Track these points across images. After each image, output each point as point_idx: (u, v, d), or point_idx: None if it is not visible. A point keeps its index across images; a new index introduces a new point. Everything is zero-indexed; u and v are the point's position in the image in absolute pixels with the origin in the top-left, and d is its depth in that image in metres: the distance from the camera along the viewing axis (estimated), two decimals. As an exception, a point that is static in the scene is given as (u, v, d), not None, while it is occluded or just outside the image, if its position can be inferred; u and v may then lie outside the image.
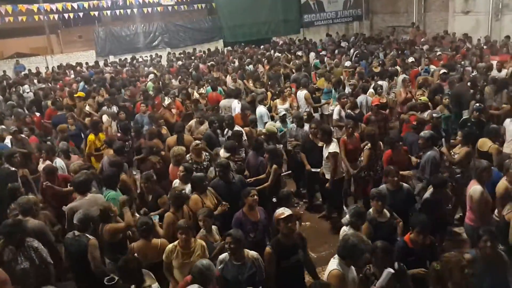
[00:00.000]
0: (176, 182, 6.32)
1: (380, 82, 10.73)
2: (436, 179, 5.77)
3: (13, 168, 7.10)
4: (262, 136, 7.74)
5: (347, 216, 4.97)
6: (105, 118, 9.93)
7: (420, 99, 8.77)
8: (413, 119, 7.91)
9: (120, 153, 7.45)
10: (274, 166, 6.74)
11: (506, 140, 7.47)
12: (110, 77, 15.12)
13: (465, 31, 18.34)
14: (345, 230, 4.93)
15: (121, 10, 21.52)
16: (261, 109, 9.48)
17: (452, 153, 6.84)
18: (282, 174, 6.19)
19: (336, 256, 4.07)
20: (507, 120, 7.63)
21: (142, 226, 4.91)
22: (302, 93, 10.39)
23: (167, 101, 10.38)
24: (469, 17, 19.07)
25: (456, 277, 3.83)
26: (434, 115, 7.96)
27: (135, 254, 4.64)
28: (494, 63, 11.70)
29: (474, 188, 5.38)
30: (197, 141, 7.31)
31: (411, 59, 13.08)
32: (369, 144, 7.17)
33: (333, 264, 4.03)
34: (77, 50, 22.57)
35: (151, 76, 14.57)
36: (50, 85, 15.15)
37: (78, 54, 21.93)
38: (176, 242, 4.74)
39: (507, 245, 4.92)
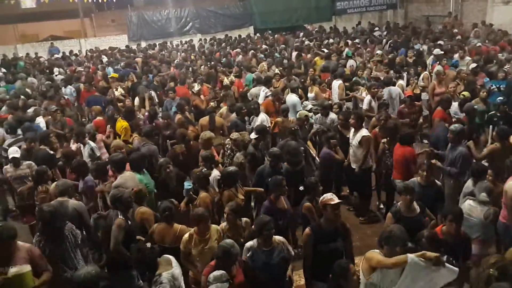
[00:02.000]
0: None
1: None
2: (476, 167, 5.60)
3: (52, 152, 7.25)
4: (295, 125, 7.65)
5: (484, 193, 5.01)
6: (136, 101, 10.08)
7: (463, 94, 8.49)
8: (439, 115, 7.72)
9: (149, 136, 7.53)
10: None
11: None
12: (141, 62, 15.27)
13: (504, 22, 17.65)
14: (471, 204, 5.06)
15: (153, -5, 21.69)
16: (293, 98, 9.26)
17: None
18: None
19: None
20: None
21: (165, 211, 4.98)
22: (337, 83, 10.23)
23: (196, 87, 10.42)
24: (510, 8, 18.33)
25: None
26: (475, 107, 7.71)
27: (153, 236, 4.81)
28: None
29: (510, 184, 5.15)
30: (207, 133, 7.19)
31: (436, 51, 12.62)
32: (385, 139, 7.05)
33: (375, 251, 4.05)
34: (109, 34, 22.89)
35: (176, 61, 14.73)
36: (83, 68, 15.44)
37: (111, 38, 22.26)
38: (192, 231, 4.80)
39: None
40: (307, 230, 4.56)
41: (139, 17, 22.16)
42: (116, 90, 11.04)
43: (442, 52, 12.33)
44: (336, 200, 4.46)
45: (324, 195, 4.62)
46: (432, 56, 12.42)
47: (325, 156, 7.08)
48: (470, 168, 5.95)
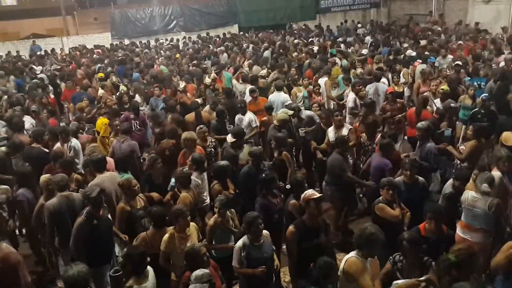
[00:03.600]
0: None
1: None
2: (461, 173, 5.68)
3: (46, 150, 7.17)
4: (276, 123, 7.68)
5: (485, 184, 5.04)
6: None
7: (442, 89, 8.62)
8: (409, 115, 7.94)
9: (127, 133, 7.51)
10: (284, 153, 6.68)
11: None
12: (120, 60, 15.10)
13: (485, 21, 17.96)
14: (474, 196, 5.10)
15: (137, -8, 21.52)
16: (282, 96, 9.32)
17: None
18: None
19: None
20: None
21: (157, 217, 4.91)
22: (323, 80, 10.31)
23: (182, 85, 10.37)
24: (490, 7, 18.65)
25: (471, 267, 3.82)
26: (452, 105, 7.84)
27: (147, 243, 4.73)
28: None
29: (494, 174, 5.37)
30: (203, 127, 7.32)
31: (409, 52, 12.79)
32: (364, 134, 7.13)
33: (352, 253, 4.08)
34: (92, 32, 22.62)
35: (161, 59, 14.65)
36: (65, 66, 15.25)
37: (93, 36, 22.00)
38: (171, 230, 4.76)
39: None
40: (291, 227, 4.58)
41: (122, 15, 21.96)
42: (101, 89, 10.91)
43: (414, 54, 12.49)
44: (317, 194, 4.51)
45: (305, 191, 4.66)
46: (414, 54, 12.58)
47: (380, 165, 6.16)
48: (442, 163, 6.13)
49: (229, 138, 7.04)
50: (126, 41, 20.94)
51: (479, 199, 5.10)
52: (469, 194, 5.21)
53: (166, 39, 20.43)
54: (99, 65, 14.00)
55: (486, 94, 8.12)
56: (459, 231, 5.28)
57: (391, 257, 4.26)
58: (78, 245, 4.89)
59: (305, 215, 4.61)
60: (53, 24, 22.98)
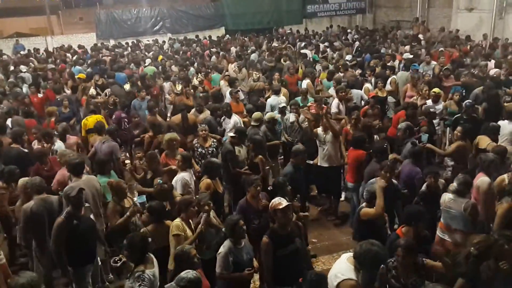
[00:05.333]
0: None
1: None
2: (432, 169, 5.84)
3: (25, 150, 7.09)
4: (253, 123, 7.75)
5: (455, 183, 5.17)
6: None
7: (434, 91, 8.74)
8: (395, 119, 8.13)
9: (112, 134, 7.49)
10: (260, 156, 6.73)
11: (499, 138, 7.31)
12: (109, 61, 15.03)
13: (468, 28, 18.26)
14: (450, 197, 5.20)
15: (123, -7, 21.40)
16: (277, 98, 9.32)
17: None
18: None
19: (349, 257, 3.91)
20: (502, 122, 7.53)
21: (155, 211, 4.94)
22: (305, 83, 10.39)
23: (179, 87, 10.31)
24: (473, 14, 18.96)
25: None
26: (431, 109, 7.97)
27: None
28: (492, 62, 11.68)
29: (482, 179, 5.49)
30: (204, 126, 7.33)
31: (406, 54, 12.97)
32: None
33: (348, 270, 3.81)
34: (77, 32, 22.41)
35: (148, 61, 14.55)
36: (49, 66, 15.05)
37: (78, 36, 21.78)
38: (179, 219, 4.86)
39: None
40: (264, 238, 4.52)
41: (108, 16, 21.77)
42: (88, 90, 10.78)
43: (411, 56, 12.65)
44: (284, 203, 4.46)
45: (273, 200, 4.63)
46: (398, 61, 12.73)
47: (412, 174, 6.10)
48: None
49: (230, 133, 7.14)
50: (112, 42, 20.79)
51: (455, 200, 5.20)
52: (446, 195, 5.31)
53: (153, 40, 20.31)
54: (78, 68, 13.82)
55: (470, 101, 8.24)
56: (438, 232, 5.41)
57: (383, 265, 4.07)
58: (57, 245, 4.83)
59: (276, 224, 4.59)
60: (38, 23, 22.74)
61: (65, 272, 5.18)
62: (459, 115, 8.15)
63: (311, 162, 7.45)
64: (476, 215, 5.18)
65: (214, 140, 7.38)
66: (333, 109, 9.01)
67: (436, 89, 8.81)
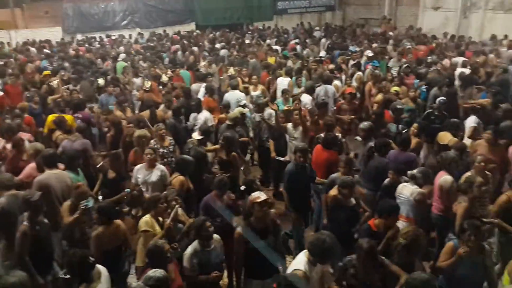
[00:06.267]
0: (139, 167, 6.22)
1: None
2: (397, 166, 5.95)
3: None
4: (228, 122, 7.69)
5: (415, 171, 5.29)
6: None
7: (396, 90, 8.90)
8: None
9: (82, 131, 7.33)
10: (233, 154, 6.71)
11: (466, 134, 7.65)
12: (73, 56, 14.66)
13: (434, 26, 18.72)
14: (404, 184, 5.37)
15: (91, -14, 20.87)
16: (236, 93, 9.36)
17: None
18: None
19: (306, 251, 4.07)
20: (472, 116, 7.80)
21: (105, 212, 4.77)
22: (286, 81, 10.39)
23: (147, 84, 10.15)
24: (439, 13, 19.46)
25: (417, 247, 4.12)
26: (398, 106, 8.12)
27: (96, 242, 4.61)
28: (460, 59, 11.99)
29: (445, 178, 5.59)
30: (160, 125, 7.21)
31: (370, 52, 13.20)
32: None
33: (301, 262, 4.00)
34: (42, 26, 21.72)
35: (122, 55, 14.28)
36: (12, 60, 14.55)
37: (43, 30, 21.13)
38: (149, 215, 4.80)
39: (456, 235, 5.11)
40: (238, 230, 4.58)
41: (74, 9, 21.22)
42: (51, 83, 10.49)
43: (371, 54, 12.85)
44: (262, 197, 4.50)
45: (252, 193, 4.67)
46: (365, 58, 12.92)
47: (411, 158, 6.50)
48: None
49: (196, 135, 7.04)
50: (79, 36, 20.29)
51: (407, 186, 5.38)
52: (401, 184, 5.49)
53: (121, 35, 19.95)
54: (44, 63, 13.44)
55: (444, 98, 8.41)
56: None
57: (341, 263, 4.25)
58: (24, 254, 4.59)
59: (252, 218, 4.61)
60: (0, 17, 21.93)
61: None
62: (430, 111, 8.34)
63: (282, 159, 7.51)
64: (423, 203, 5.34)
65: (171, 138, 7.24)
66: (308, 106, 9.02)
67: (396, 87, 9.01)
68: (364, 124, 6.97)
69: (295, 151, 6.19)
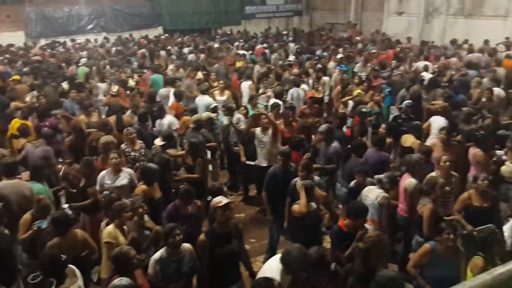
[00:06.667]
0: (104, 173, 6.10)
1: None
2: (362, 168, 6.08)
3: None
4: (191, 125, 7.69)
5: (382, 176, 5.30)
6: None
7: (360, 93, 9.06)
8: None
9: (48, 138, 7.09)
10: (199, 160, 6.67)
11: (430, 135, 7.83)
12: (35, 61, 14.25)
13: (398, 31, 19.22)
14: (370, 188, 5.40)
15: (54, -10, 20.42)
16: (205, 99, 9.34)
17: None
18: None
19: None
20: (437, 117, 8.00)
21: (60, 223, 4.64)
22: (246, 84, 10.42)
23: (114, 88, 9.99)
24: (402, 18, 19.97)
25: (377, 252, 4.11)
26: (363, 110, 8.27)
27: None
28: (422, 63, 12.32)
29: (409, 181, 5.66)
30: (130, 129, 7.13)
31: (339, 56, 13.44)
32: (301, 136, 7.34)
33: (276, 270, 3.95)
34: (4, 31, 21.07)
35: (83, 60, 14.01)
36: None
37: (5, 35, 20.49)
38: (112, 225, 4.68)
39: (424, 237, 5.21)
40: (201, 236, 4.53)
41: (37, 13, 20.69)
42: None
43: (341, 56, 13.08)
44: (224, 201, 4.48)
45: (214, 198, 4.65)
46: (332, 63, 13.11)
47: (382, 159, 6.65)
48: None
49: (158, 141, 6.93)
50: (43, 41, 19.80)
51: (373, 190, 5.46)
52: (367, 187, 5.56)
53: (87, 39, 19.60)
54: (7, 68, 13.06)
55: (410, 101, 8.59)
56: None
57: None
58: None
59: (215, 223, 4.58)
60: (-42, 20, 21.18)
61: None
62: (398, 114, 8.52)
63: (252, 163, 7.54)
64: (387, 208, 5.41)
65: (142, 142, 7.16)
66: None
67: (358, 90, 9.20)
68: (322, 127, 7.05)
69: (278, 154, 6.24)
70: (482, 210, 5.39)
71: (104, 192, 5.62)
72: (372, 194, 5.47)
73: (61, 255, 3.97)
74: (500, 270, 1.58)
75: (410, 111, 8.33)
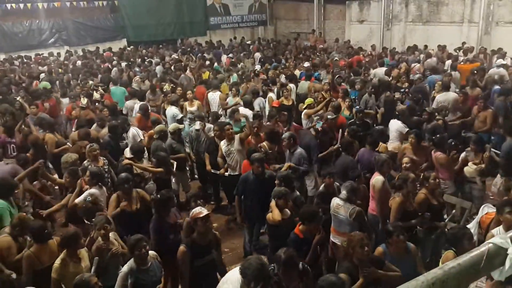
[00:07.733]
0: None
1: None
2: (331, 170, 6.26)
3: None
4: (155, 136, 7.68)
5: (344, 191, 5.33)
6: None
7: (310, 102, 9.24)
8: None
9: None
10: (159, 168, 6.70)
11: (390, 139, 8.10)
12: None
13: (360, 38, 19.70)
14: (338, 202, 5.40)
15: (13, 4, 19.87)
16: (173, 110, 9.35)
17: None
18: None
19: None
20: (392, 121, 8.28)
21: (36, 232, 4.59)
22: (215, 95, 10.43)
23: (84, 101, 9.80)
24: (364, 26, 20.50)
25: (358, 252, 4.19)
26: (329, 116, 8.41)
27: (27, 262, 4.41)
28: (383, 69, 12.66)
29: (377, 179, 5.83)
30: (94, 145, 6.93)
31: (306, 64, 13.66)
32: (265, 142, 7.38)
33: (235, 281, 3.86)
34: (-39, 46, 20.41)
35: (43, 75, 13.73)
36: None
37: (-38, 49, 19.86)
38: (62, 256, 4.46)
39: None
40: (182, 247, 4.50)
41: (-4, 28, 20.15)
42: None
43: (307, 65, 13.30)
44: (204, 212, 4.48)
45: (193, 209, 4.64)
46: (297, 71, 13.30)
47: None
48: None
49: (127, 154, 6.89)
50: (1, 56, 19.26)
51: (342, 206, 5.45)
52: (335, 201, 5.56)
53: (50, 53, 19.19)
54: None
55: (358, 107, 8.92)
56: (331, 236, 5.62)
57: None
58: None
59: (195, 233, 4.57)
60: None
61: None
62: (352, 120, 8.71)
63: (218, 172, 7.54)
64: (363, 220, 5.48)
65: (104, 158, 7.02)
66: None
67: (309, 99, 9.44)
68: (285, 134, 7.17)
69: (251, 161, 6.18)
70: (436, 207, 5.66)
71: (86, 198, 5.55)
72: (342, 210, 5.44)
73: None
74: (451, 264, 1.64)
75: (362, 116, 8.60)
